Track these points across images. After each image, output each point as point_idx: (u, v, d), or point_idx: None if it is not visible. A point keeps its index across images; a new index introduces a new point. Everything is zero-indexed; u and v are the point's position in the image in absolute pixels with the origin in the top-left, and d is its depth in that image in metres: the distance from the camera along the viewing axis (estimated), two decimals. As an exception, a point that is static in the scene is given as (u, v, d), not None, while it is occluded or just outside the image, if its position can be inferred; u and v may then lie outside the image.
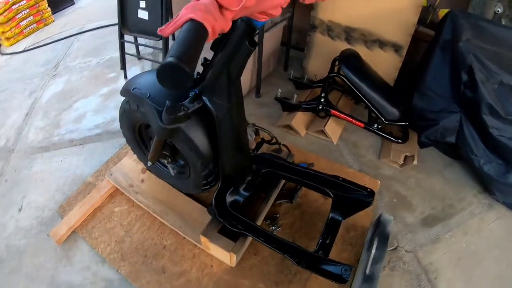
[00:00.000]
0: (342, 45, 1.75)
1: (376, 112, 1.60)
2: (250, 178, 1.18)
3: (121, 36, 2.02)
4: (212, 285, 1.19)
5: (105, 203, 1.45)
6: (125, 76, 2.19)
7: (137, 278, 1.21)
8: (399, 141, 1.63)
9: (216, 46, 0.87)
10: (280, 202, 1.42)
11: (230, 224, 1.07)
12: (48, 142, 1.77)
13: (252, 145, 1.58)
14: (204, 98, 0.95)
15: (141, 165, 1.49)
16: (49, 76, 2.29)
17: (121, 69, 2.19)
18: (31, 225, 1.38)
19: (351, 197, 1.13)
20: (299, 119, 1.79)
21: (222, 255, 1.18)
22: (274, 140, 1.58)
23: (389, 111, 1.58)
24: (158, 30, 0.62)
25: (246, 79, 1.96)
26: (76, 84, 2.21)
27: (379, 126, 1.66)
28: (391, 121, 1.60)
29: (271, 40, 1.96)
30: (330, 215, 1.15)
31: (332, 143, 1.73)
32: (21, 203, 1.46)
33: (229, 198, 1.15)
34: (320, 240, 1.07)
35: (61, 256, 1.27)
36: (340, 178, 1.18)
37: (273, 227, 1.34)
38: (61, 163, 1.65)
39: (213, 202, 1.13)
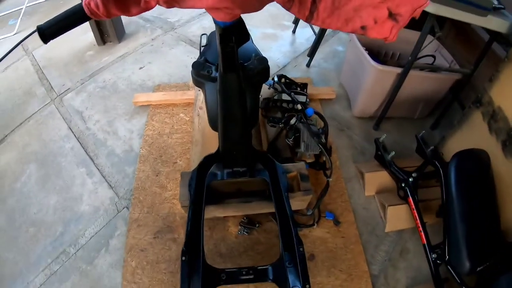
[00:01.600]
0: (493, 145, 1.22)
1: (447, 247, 1.15)
2: (240, 169, 1.14)
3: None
4: (166, 212, 1.36)
5: (180, 105, 1.76)
6: (294, 31, 2.28)
7: (142, 163, 1.51)
8: (444, 297, 1.16)
9: None
10: (272, 219, 1.35)
11: (188, 189, 1.09)
12: (196, 40, 2.18)
13: (307, 159, 1.47)
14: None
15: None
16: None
17: (293, 23, 2.29)
18: (137, 82, 1.87)
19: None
20: (376, 178, 1.49)
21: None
22: (328, 172, 1.42)
23: (460, 259, 1.11)
24: None
25: (376, 102, 1.70)
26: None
27: (438, 261, 1.20)
28: (454, 271, 1.13)
29: (421, 82, 1.56)
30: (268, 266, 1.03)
31: (383, 228, 1.40)
32: (144, 65, 1.97)
33: (213, 169, 1.15)
34: None
35: (129, 112, 1.72)
36: (301, 248, 1.00)
37: (241, 227, 1.31)
38: (189, 59, 2.04)
39: (201, 160, 1.17)
